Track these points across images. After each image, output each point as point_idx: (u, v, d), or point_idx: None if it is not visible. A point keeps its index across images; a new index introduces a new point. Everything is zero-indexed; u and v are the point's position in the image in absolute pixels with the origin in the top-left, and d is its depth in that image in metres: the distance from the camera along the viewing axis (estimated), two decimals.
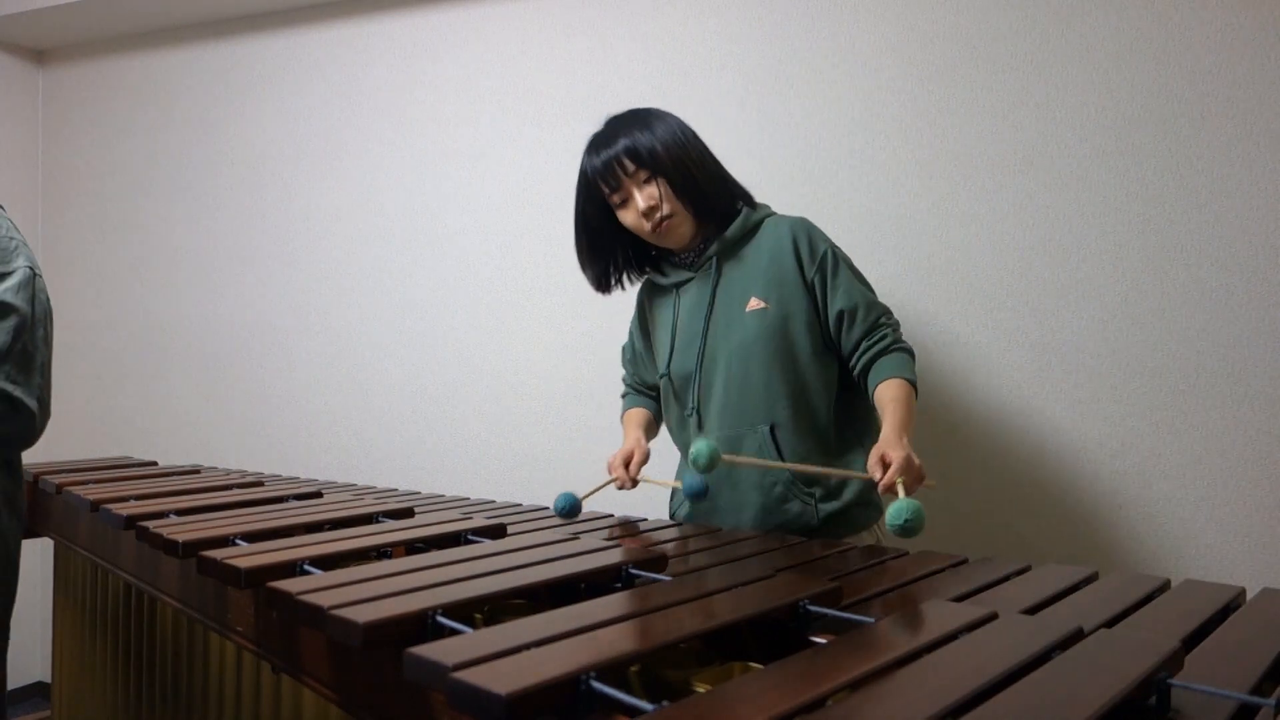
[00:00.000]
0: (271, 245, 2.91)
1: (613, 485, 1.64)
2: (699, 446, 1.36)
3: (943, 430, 1.99)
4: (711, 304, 1.58)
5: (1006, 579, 1.11)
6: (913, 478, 1.31)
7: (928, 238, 2.01)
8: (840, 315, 1.53)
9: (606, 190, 1.57)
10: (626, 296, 2.35)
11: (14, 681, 3.11)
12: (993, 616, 0.83)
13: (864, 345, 1.52)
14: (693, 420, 1.59)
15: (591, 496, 1.62)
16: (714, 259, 1.59)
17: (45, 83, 3.30)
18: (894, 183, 2.05)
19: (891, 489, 1.29)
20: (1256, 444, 1.74)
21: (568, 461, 2.44)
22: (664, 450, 1.73)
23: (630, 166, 1.53)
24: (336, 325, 2.80)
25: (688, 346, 1.60)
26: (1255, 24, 1.74)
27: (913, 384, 1.48)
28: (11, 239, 1.73)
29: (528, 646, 0.74)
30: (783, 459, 1.50)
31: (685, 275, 1.63)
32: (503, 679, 0.66)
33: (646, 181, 1.54)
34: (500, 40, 2.55)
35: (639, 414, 1.77)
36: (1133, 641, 0.75)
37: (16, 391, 1.64)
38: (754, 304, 1.54)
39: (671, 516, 1.72)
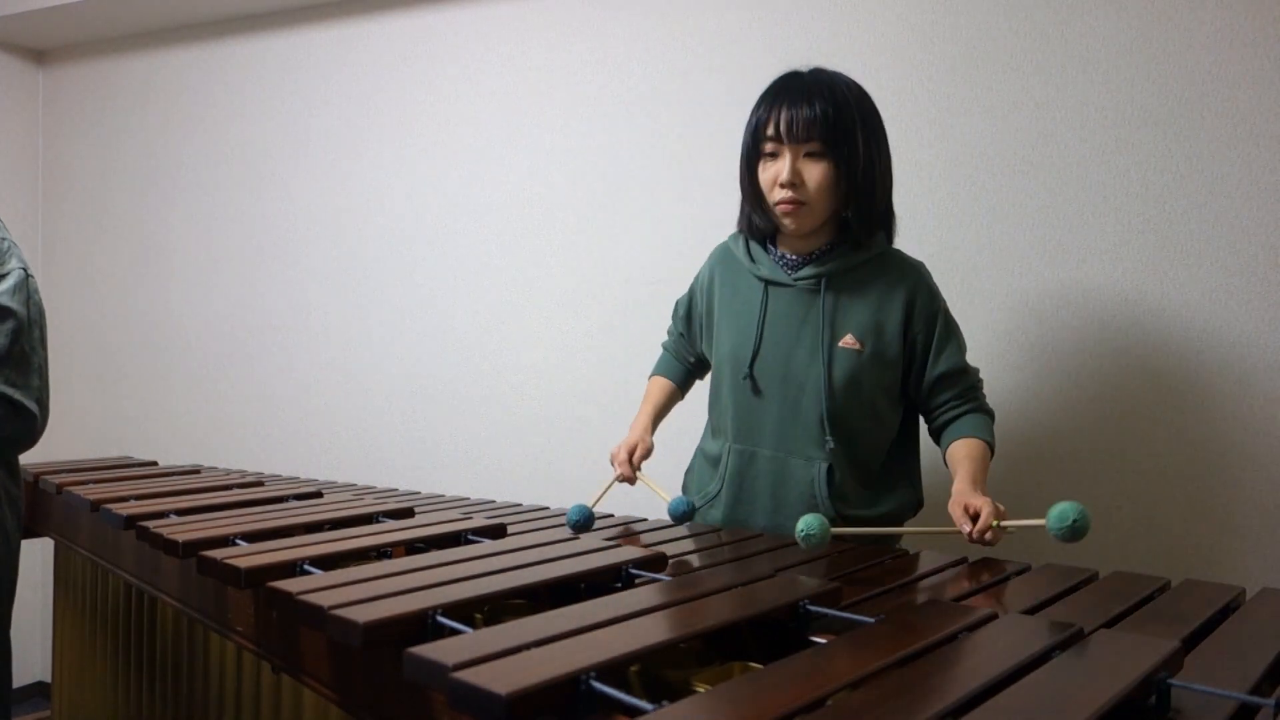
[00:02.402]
0: (271, 245, 2.91)
1: (617, 483, 1.64)
2: (810, 523, 1.22)
3: None
4: (805, 323, 1.47)
5: (1006, 579, 1.12)
6: (989, 525, 1.28)
7: (928, 238, 2.01)
8: (941, 378, 1.47)
9: (770, 132, 1.40)
10: (625, 297, 2.36)
11: (14, 681, 3.11)
12: (993, 616, 0.84)
13: (951, 404, 1.49)
14: (757, 434, 1.51)
15: (601, 500, 1.63)
16: (823, 279, 1.46)
17: (45, 83, 3.30)
18: (894, 183, 2.04)
19: (984, 535, 1.26)
20: (1256, 444, 1.74)
21: (568, 461, 2.44)
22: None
23: (812, 132, 1.37)
24: (337, 325, 2.80)
25: (774, 358, 1.49)
26: (1255, 24, 1.74)
27: (991, 446, 1.45)
28: (3, 240, 1.73)
29: (528, 646, 0.74)
30: (830, 497, 1.46)
31: (780, 277, 1.49)
32: (503, 679, 0.66)
33: (811, 155, 1.38)
34: (500, 40, 2.55)
35: (662, 387, 1.74)
36: (1133, 641, 0.75)
37: (16, 394, 1.64)
38: (848, 341, 1.45)
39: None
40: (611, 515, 1.67)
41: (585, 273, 2.42)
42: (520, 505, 1.80)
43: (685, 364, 1.77)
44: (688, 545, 1.36)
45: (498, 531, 1.32)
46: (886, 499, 1.51)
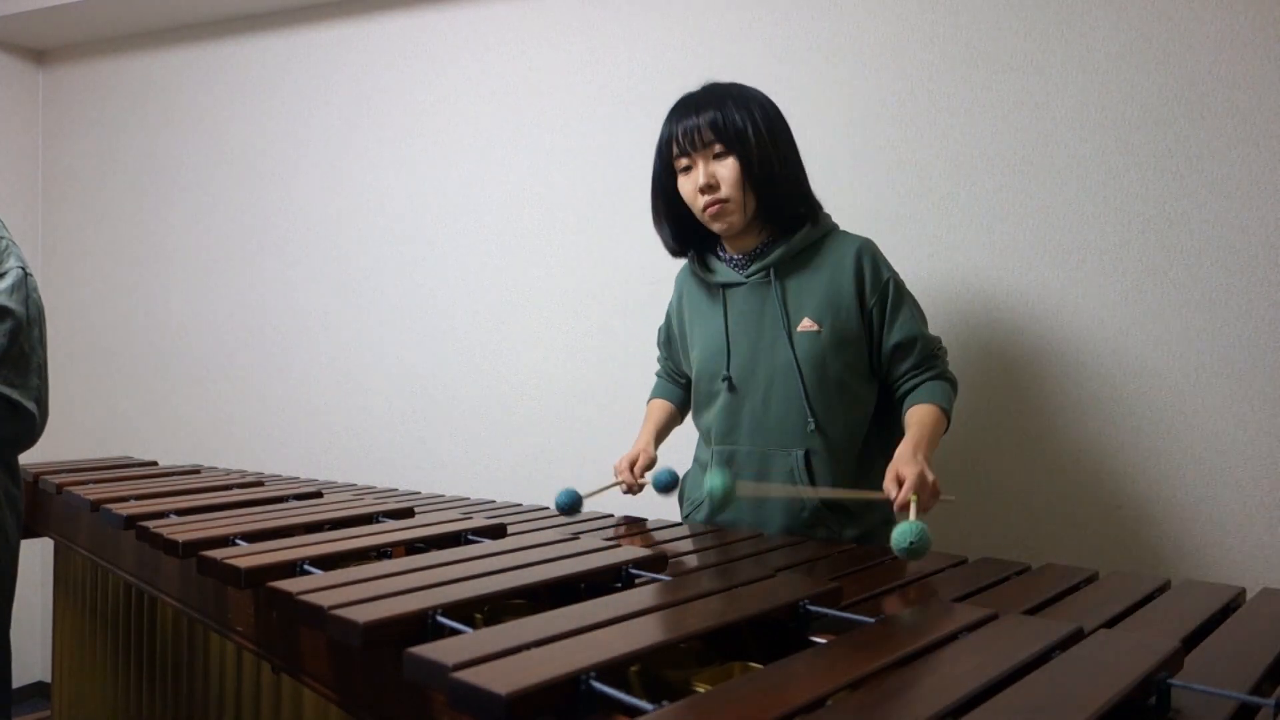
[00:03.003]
0: (271, 245, 2.91)
1: (619, 489, 1.64)
2: (714, 482, 1.34)
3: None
4: (763, 316, 1.52)
5: (1006, 579, 1.12)
6: (928, 494, 1.30)
7: (928, 238, 2.01)
8: (896, 347, 1.50)
9: (676, 151, 1.50)
10: (625, 297, 2.36)
11: (14, 681, 3.11)
12: (993, 616, 0.83)
13: (910, 373, 1.51)
14: (734, 432, 1.54)
15: (596, 497, 1.63)
16: (771, 270, 1.52)
17: (45, 83, 3.30)
18: (894, 183, 2.04)
19: (906, 507, 1.27)
20: (1256, 444, 1.74)
21: (568, 461, 2.44)
22: (670, 453, 1.73)
23: (709, 136, 1.46)
24: (336, 325, 2.80)
25: (739, 356, 1.54)
26: (1255, 25, 1.74)
27: (945, 410, 1.46)
28: (1, 239, 1.73)
29: (528, 646, 0.74)
30: (814, 485, 1.47)
31: (734, 278, 1.55)
32: (503, 679, 0.66)
33: (718, 157, 1.47)
34: (500, 41, 2.55)
35: (661, 408, 1.77)
36: (1133, 641, 0.75)
37: (15, 394, 1.64)
38: (806, 324, 1.49)
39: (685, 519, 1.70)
40: (611, 515, 1.67)
41: (585, 273, 2.42)
42: (520, 505, 1.80)
43: (679, 385, 1.80)
44: (688, 545, 1.36)
45: (498, 531, 1.32)
46: (867, 480, 1.51)
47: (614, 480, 1.65)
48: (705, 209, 1.49)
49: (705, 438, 1.64)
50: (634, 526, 1.55)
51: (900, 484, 1.29)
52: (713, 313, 1.58)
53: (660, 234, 1.62)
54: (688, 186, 1.51)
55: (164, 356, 3.09)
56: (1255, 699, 0.68)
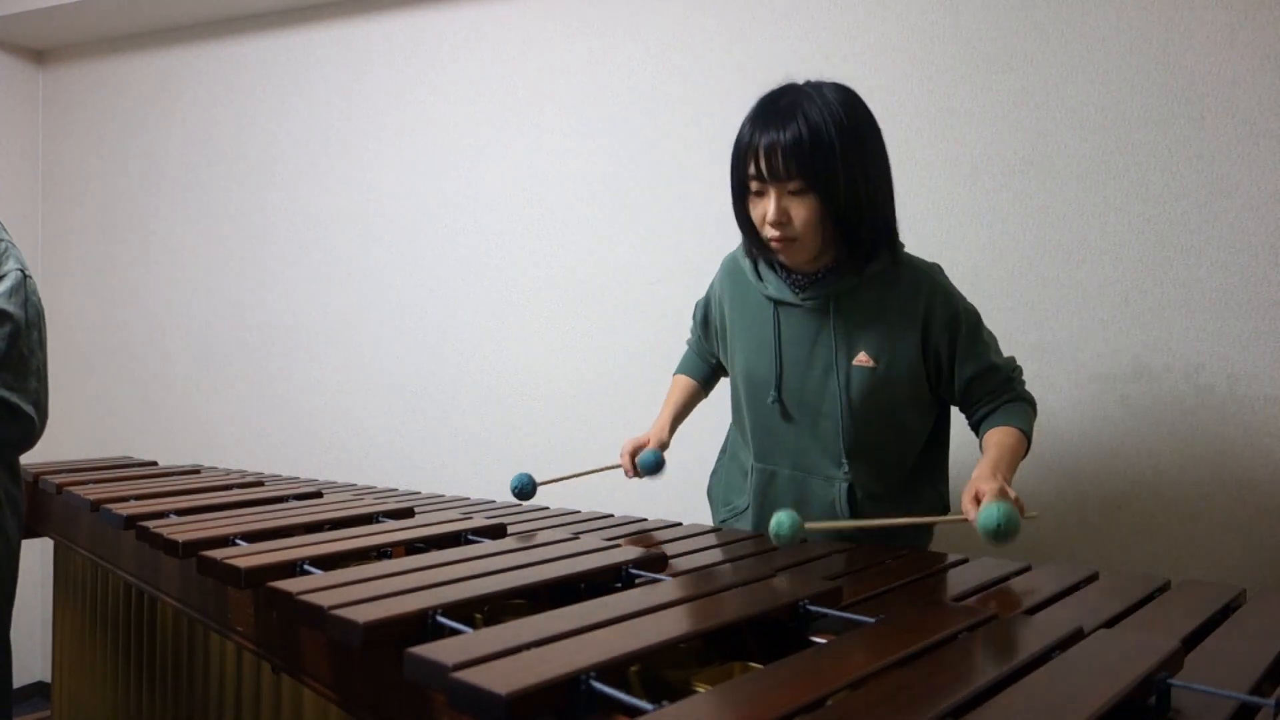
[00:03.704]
0: (271, 245, 2.91)
1: (621, 471, 1.63)
2: (781, 526, 1.23)
3: None
4: (816, 344, 1.43)
5: (1006, 579, 1.11)
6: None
7: (928, 238, 2.00)
8: (971, 380, 1.43)
9: (752, 171, 1.33)
10: (625, 297, 2.36)
11: (14, 681, 3.11)
12: (993, 616, 0.83)
13: (986, 399, 1.45)
14: (778, 454, 1.49)
15: (589, 476, 1.62)
16: (831, 299, 1.41)
17: (45, 83, 3.30)
18: (894, 183, 2.04)
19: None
20: (1256, 444, 1.74)
21: (568, 461, 2.43)
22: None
23: (791, 169, 1.29)
24: (336, 325, 2.80)
25: (791, 380, 1.45)
26: (1255, 24, 1.74)
27: (1025, 432, 1.39)
28: (1, 240, 1.72)
29: (528, 646, 0.74)
30: (852, 515, 1.43)
31: (788, 296, 1.44)
32: (503, 679, 0.66)
33: (795, 193, 1.31)
34: (500, 40, 2.55)
35: (685, 386, 1.72)
36: (1133, 641, 0.75)
37: (14, 398, 1.64)
38: (862, 359, 1.40)
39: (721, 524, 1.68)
40: (611, 515, 1.67)
41: (585, 272, 2.42)
42: (520, 505, 1.80)
43: (708, 363, 1.74)
44: (688, 545, 1.36)
45: (498, 531, 1.32)
46: (911, 507, 1.47)
47: (614, 463, 1.63)
48: (771, 240, 1.36)
49: (743, 440, 1.58)
50: (634, 526, 1.55)
51: (978, 502, 1.21)
52: (762, 321, 1.48)
53: (743, 231, 1.45)
54: (757, 211, 1.36)
55: (164, 356, 3.09)
56: (1255, 699, 0.68)
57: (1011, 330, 1.94)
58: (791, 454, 1.48)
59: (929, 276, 1.43)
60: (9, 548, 1.76)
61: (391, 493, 2.00)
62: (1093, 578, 1.12)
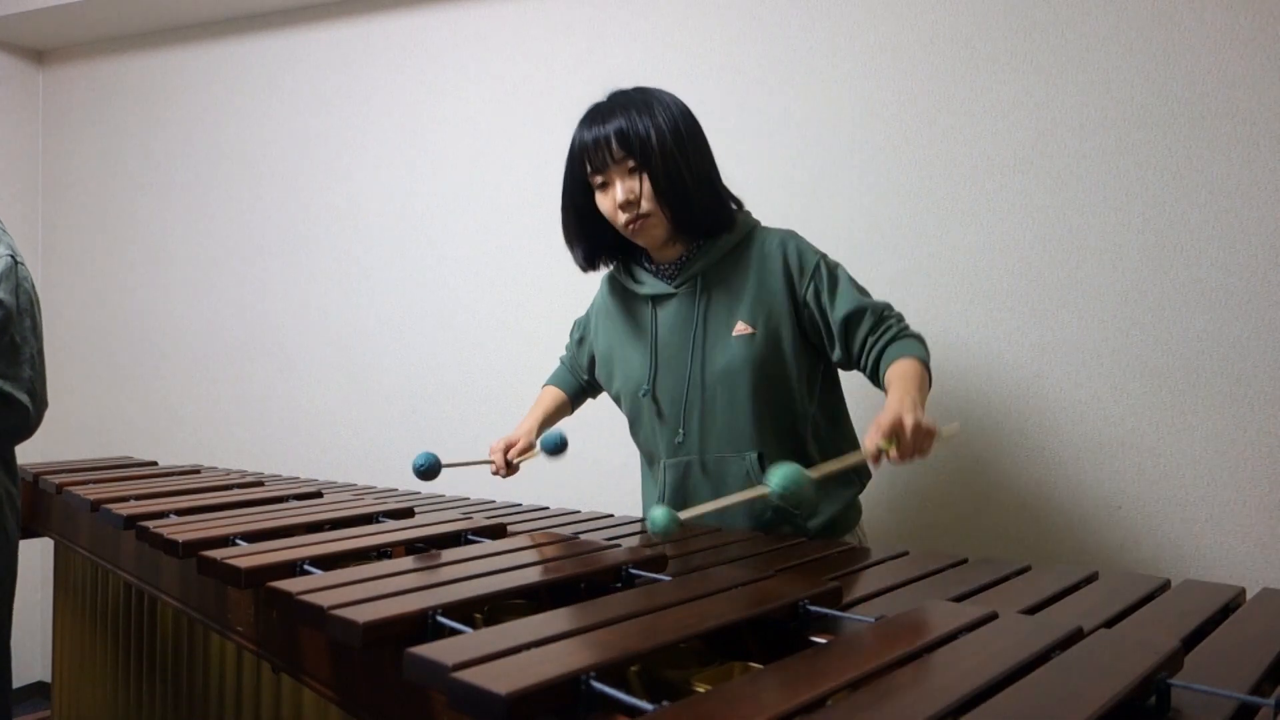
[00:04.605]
0: (271, 245, 2.91)
1: (488, 468, 1.64)
2: (655, 516, 1.23)
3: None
4: (696, 326, 1.50)
5: (1006, 579, 1.11)
6: (916, 438, 1.19)
7: (928, 238, 2.01)
8: (845, 321, 1.45)
9: (589, 169, 1.46)
10: None
11: (14, 681, 3.11)
12: (993, 616, 0.83)
13: (870, 341, 1.44)
14: (682, 445, 1.52)
15: (461, 469, 1.66)
16: (698, 278, 1.50)
17: (45, 83, 3.30)
18: (894, 183, 2.04)
19: (877, 458, 1.19)
20: (1256, 444, 1.74)
21: (567, 460, 2.44)
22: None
23: (619, 152, 1.42)
24: (336, 325, 2.80)
25: (674, 369, 1.52)
26: (1255, 24, 1.74)
27: (922, 360, 1.39)
28: None
29: (528, 646, 0.74)
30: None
31: (663, 289, 1.53)
32: (503, 679, 0.66)
33: (632, 172, 1.43)
34: (500, 40, 2.55)
35: (553, 396, 1.77)
36: (1133, 641, 0.75)
37: (7, 386, 1.63)
38: (740, 328, 1.47)
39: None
40: (611, 515, 1.67)
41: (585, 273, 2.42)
42: (520, 505, 1.80)
43: (579, 380, 1.78)
44: (688, 545, 1.36)
45: (498, 531, 1.32)
46: (827, 486, 1.48)
47: (483, 458, 1.63)
48: (627, 225, 1.46)
49: (650, 457, 1.62)
50: (634, 526, 1.55)
51: (891, 431, 1.18)
52: (643, 327, 1.56)
53: (572, 251, 1.58)
54: (607, 204, 1.47)
55: (164, 356, 3.09)
56: (1255, 699, 0.68)
57: (1011, 330, 1.94)
58: (698, 441, 1.50)
59: (784, 236, 1.52)
60: (9, 544, 1.76)
61: (391, 493, 2.00)
62: (1093, 578, 1.12)
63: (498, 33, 2.55)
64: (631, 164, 1.43)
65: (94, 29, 3.09)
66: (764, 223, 1.57)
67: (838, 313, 1.45)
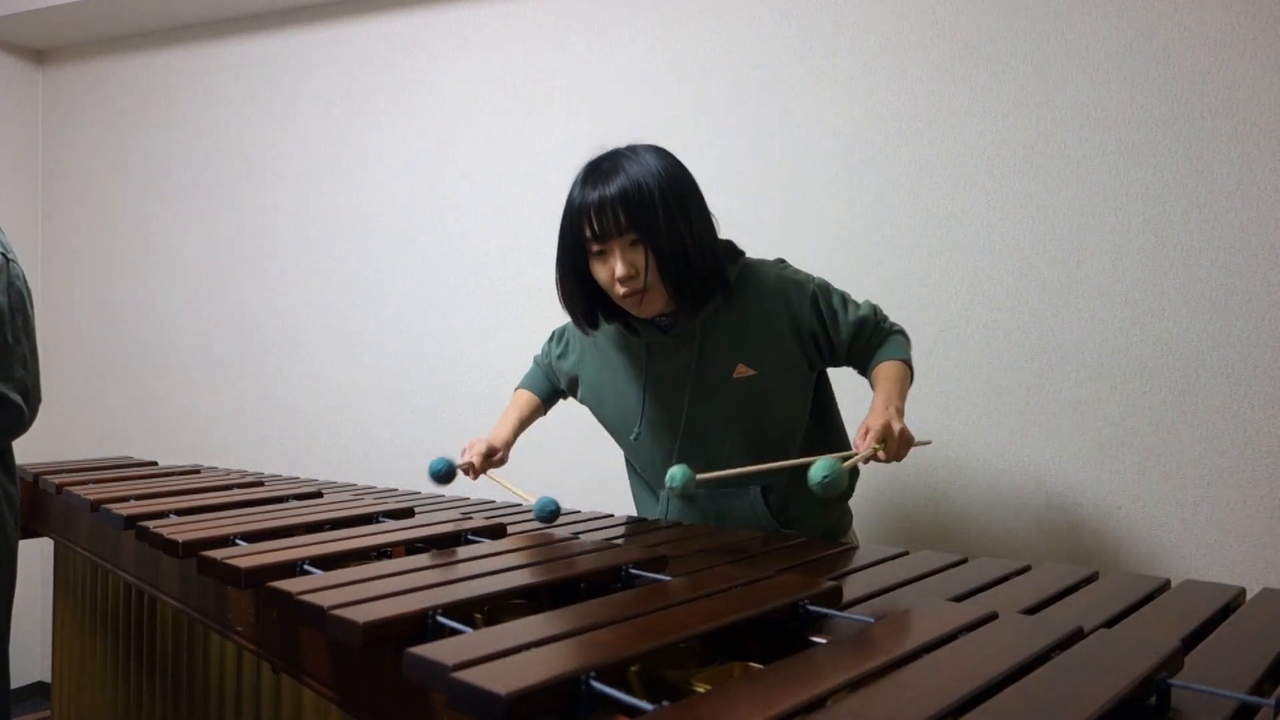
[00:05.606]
0: (271, 245, 2.91)
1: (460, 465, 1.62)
2: (674, 473, 1.27)
3: (942, 430, 1.99)
4: (691, 372, 1.47)
5: (1006, 579, 1.11)
6: (897, 443, 1.27)
7: (928, 238, 2.01)
8: (853, 340, 1.47)
9: (589, 234, 1.38)
10: None
11: (14, 681, 3.11)
12: (993, 616, 0.83)
13: (869, 347, 1.49)
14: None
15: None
16: (696, 328, 1.46)
17: (45, 83, 3.30)
18: (894, 183, 2.04)
19: (868, 460, 1.27)
20: (1256, 444, 1.74)
21: (567, 461, 2.44)
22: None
23: (623, 222, 1.35)
24: (336, 325, 2.80)
25: (669, 415, 1.50)
26: (1254, 24, 1.74)
27: (905, 361, 1.44)
28: None
29: (528, 646, 0.74)
30: (773, 517, 1.50)
31: (658, 336, 1.48)
32: (503, 679, 0.66)
33: (634, 244, 1.36)
34: (500, 40, 2.55)
35: (528, 401, 1.75)
36: (1133, 641, 0.75)
37: (1, 387, 1.62)
38: (742, 370, 1.45)
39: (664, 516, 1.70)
40: (611, 515, 1.67)
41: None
42: (520, 505, 1.80)
43: (553, 384, 1.77)
44: (688, 545, 1.36)
45: (498, 531, 1.32)
46: (829, 507, 1.54)
47: (462, 459, 1.62)
48: (625, 297, 1.40)
49: (644, 480, 1.63)
50: (634, 526, 1.55)
51: (867, 436, 1.26)
52: (632, 368, 1.53)
53: (571, 313, 1.51)
54: (604, 273, 1.40)
55: (164, 356, 3.09)
56: (1255, 699, 0.68)
57: (1011, 330, 1.94)
58: (707, 483, 1.45)
59: (776, 276, 1.49)
60: (8, 545, 1.75)
61: (391, 493, 2.00)
62: (1093, 578, 1.12)
63: (499, 33, 2.55)
64: (633, 237, 1.36)
65: (94, 29, 3.09)
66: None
67: (843, 336, 1.48)
